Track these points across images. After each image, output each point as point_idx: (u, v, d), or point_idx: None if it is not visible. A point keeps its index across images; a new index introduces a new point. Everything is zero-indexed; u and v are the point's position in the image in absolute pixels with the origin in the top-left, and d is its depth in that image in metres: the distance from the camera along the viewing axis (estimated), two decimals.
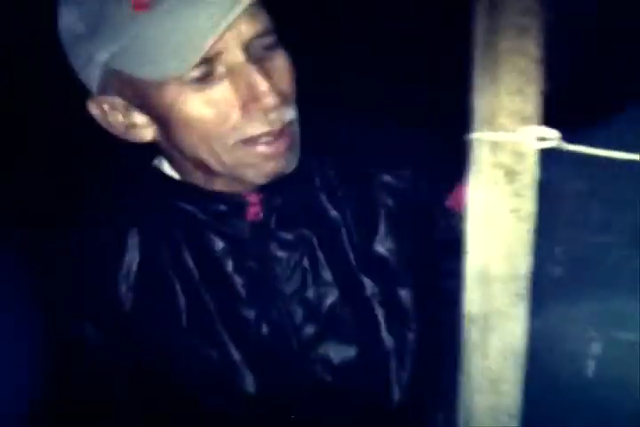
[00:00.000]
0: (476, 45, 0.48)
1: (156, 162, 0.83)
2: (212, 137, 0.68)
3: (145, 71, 0.65)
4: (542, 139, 0.46)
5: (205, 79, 0.67)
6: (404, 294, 0.82)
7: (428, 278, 0.83)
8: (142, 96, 0.69)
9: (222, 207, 0.76)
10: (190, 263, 0.77)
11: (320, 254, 0.79)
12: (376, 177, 0.84)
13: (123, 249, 0.78)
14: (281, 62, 0.71)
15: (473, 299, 0.50)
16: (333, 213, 0.80)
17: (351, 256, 0.80)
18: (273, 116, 0.68)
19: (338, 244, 0.80)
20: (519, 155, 0.47)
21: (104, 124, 0.73)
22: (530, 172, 0.47)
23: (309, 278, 0.78)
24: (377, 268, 0.81)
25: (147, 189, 0.80)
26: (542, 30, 0.46)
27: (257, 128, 0.68)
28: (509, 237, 0.49)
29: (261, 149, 0.69)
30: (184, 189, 0.77)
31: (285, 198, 0.79)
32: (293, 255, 0.78)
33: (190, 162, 0.74)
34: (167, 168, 0.80)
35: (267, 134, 0.69)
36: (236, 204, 0.76)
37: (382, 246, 0.81)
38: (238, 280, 0.77)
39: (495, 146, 0.47)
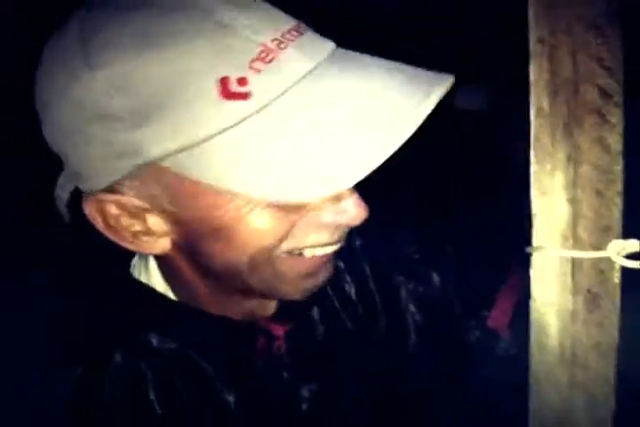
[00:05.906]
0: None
1: (134, 270, 0.65)
2: (266, 249, 0.53)
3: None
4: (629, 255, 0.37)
5: None
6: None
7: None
8: (184, 201, 0.52)
9: (232, 338, 0.62)
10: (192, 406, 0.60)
11: (340, 387, 0.66)
12: (405, 289, 0.72)
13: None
14: None
15: None
16: (354, 335, 0.68)
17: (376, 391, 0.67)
18: (345, 229, 0.56)
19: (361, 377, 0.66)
20: (601, 275, 0.37)
21: (101, 228, 0.55)
22: (614, 296, 0.38)
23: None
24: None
25: (130, 309, 0.61)
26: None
27: (324, 238, 0.55)
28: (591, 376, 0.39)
29: (313, 258, 0.56)
30: (183, 312, 0.61)
31: (308, 328, 0.66)
32: (307, 389, 0.64)
33: (211, 278, 0.58)
34: (156, 282, 0.63)
35: (328, 244, 0.56)
36: (249, 334, 0.61)
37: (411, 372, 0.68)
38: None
39: (573, 264, 0.37)
